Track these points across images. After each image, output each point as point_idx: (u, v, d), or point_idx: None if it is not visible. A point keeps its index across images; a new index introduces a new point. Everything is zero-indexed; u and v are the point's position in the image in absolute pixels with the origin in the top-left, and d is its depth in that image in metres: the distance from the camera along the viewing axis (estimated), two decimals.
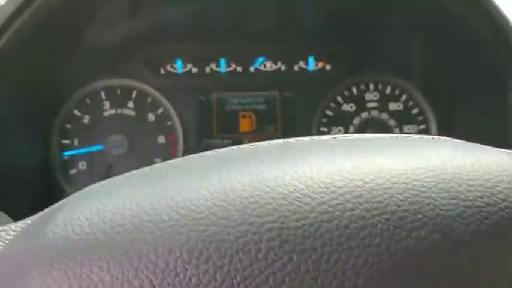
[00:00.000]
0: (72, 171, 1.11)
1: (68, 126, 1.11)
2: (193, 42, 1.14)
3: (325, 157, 0.29)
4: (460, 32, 0.87)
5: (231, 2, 0.96)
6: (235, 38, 1.14)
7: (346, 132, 1.15)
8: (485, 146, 0.36)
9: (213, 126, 1.14)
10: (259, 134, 1.15)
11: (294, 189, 0.25)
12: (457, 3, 0.79)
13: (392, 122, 1.16)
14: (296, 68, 1.17)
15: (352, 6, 0.99)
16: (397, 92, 1.16)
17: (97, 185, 0.36)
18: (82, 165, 1.12)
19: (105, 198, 0.30)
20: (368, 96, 1.16)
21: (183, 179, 0.30)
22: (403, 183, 0.25)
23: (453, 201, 0.25)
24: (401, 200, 0.24)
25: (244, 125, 1.16)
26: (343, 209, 0.24)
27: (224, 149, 0.36)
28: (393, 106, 1.16)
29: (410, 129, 1.16)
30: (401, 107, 1.16)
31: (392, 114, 1.16)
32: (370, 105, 1.16)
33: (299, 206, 0.24)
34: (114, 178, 0.37)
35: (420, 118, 1.16)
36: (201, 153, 0.36)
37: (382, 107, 1.16)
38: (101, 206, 0.29)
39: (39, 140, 1.08)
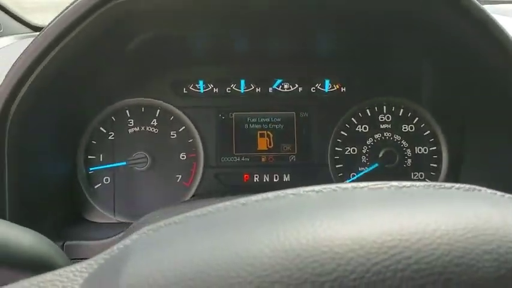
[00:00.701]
0: (97, 186, 1.16)
1: (94, 142, 1.16)
2: (215, 64, 1.19)
3: (371, 213, 0.33)
4: (469, 58, 0.91)
5: (251, 28, 1.01)
6: (255, 60, 1.20)
7: (360, 153, 1.20)
8: None
9: (232, 144, 1.19)
10: (276, 152, 1.20)
11: (350, 249, 0.30)
12: (466, 31, 0.83)
13: (404, 143, 1.20)
14: (313, 89, 1.22)
15: (365, 33, 1.03)
16: (409, 114, 1.21)
17: (162, 223, 0.40)
18: (106, 180, 1.16)
19: (173, 246, 0.34)
20: (381, 117, 1.21)
21: (242, 231, 0.33)
22: (447, 244, 0.29)
23: (495, 264, 0.29)
24: (447, 262, 0.28)
25: (262, 143, 1.20)
26: (395, 269, 0.28)
27: (270, 196, 0.39)
28: (405, 128, 1.21)
29: (422, 150, 1.20)
30: (413, 128, 1.21)
31: (405, 135, 1.21)
32: (383, 126, 1.21)
33: (355, 266, 0.29)
34: (175, 218, 0.39)
35: (431, 140, 1.20)
36: (249, 199, 0.39)
37: (395, 128, 1.21)
38: (171, 256, 0.32)
39: (67, 156, 1.13)
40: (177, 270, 0.31)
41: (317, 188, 0.41)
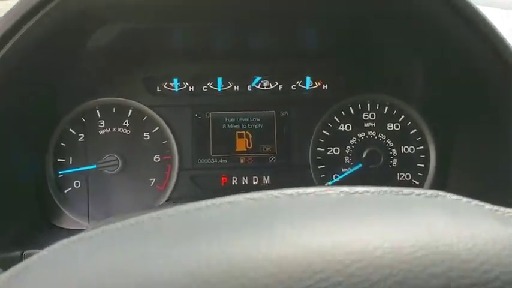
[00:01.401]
0: (67, 190, 1.11)
1: (63, 144, 1.11)
2: (191, 60, 1.13)
3: (304, 228, 0.28)
4: (458, 56, 0.86)
5: (229, 23, 0.95)
6: (233, 57, 1.14)
7: (343, 154, 1.14)
8: (483, 207, 0.35)
9: (209, 145, 1.13)
10: (255, 153, 1.14)
11: (267, 274, 0.24)
12: (456, 30, 0.78)
13: (389, 142, 1.14)
14: (293, 87, 1.16)
15: (350, 27, 0.97)
16: (394, 112, 1.15)
17: (75, 237, 0.34)
18: (76, 184, 1.11)
19: (71, 266, 0.29)
20: (365, 116, 1.15)
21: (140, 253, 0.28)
22: (388, 266, 0.24)
23: None
24: (389, 286, 0.23)
25: (241, 144, 1.15)
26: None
27: (201, 206, 0.34)
28: (391, 126, 1.15)
29: (408, 149, 1.14)
30: (399, 127, 1.15)
31: (390, 134, 1.15)
32: (367, 125, 1.15)
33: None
34: (91, 232, 0.34)
35: (418, 139, 1.15)
36: (176, 210, 0.33)
37: (380, 127, 1.15)
38: (66, 277, 0.27)
39: (35, 158, 1.08)
40: None
41: (257, 195, 0.35)
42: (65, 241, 0.33)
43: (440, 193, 0.37)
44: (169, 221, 0.31)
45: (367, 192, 0.36)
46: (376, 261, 0.24)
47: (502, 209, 0.36)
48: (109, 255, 0.28)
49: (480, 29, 0.76)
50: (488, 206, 0.36)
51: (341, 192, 0.36)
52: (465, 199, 0.37)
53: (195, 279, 0.24)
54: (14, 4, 0.75)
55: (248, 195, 0.35)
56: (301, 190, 0.36)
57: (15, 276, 0.31)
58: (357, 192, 0.36)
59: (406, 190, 0.37)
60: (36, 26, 0.74)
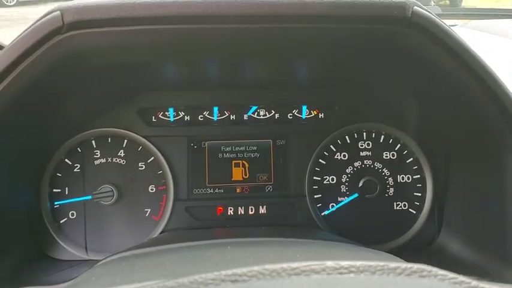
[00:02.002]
0: (63, 220, 1.10)
1: (59, 175, 1.10)
2: (186, 90, 1.13)
3: None
4: (450, 88, 0.86)
5: (223, 57, 0.96)
6: (229, 86, 1.14)
7: (339, 183, 1.14)
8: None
9: (204, 175, 1.13)
10: (251, 182, 1.14)
11: None
12: (446, 64, 0.78)
13: (386, 171, 1.14)
14: (289, 116, 1.16)
15: (341, 61, 0.98)
16: (390, 141, 1.15)
17: None
18: (72, 214, 1.10)
19: None
20: (361, 144, 1.15)
21: None
22: None
23: None
24: None
25: (237, 173, 1.14)
26: None
27: None
28: (387, 155, 1.15)
29: (405, 178, 1.14)
30: (395, 155, 1.15)
31: (386, 163, 1.15)
32: (363, 153, 1.15)
33: None
34: None
35: (415, 167, 1.14)
36: None
37: (376, 156, 1.15)
38: None
39: (30, 188, 1.07)
40: None
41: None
42: None
43: (426, 269, 0.36)
44: None
45: (344, 269, 0.36)
46: None
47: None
48: None
49: (469, 65, 0.76)
50: (474, 283, 0.36)
51: (326, 267, 0.36)
52: (452, 275, 0.36)
53: None
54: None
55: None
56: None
57: None
58: (337, 269, 0.35)
59: (392, 265, 0.36)
60: (32, 65, 0.75)
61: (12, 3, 11.51)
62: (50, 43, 0.71)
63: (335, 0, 0.72)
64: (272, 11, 0.71)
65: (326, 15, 0.72)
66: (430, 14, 0.74)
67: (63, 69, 0.81)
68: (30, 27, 0.74)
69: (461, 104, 0.88)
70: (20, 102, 0.81)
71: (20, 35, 0.75)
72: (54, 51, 0.73)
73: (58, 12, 0.71)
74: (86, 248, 1.10)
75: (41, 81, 0.80)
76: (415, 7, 0.73)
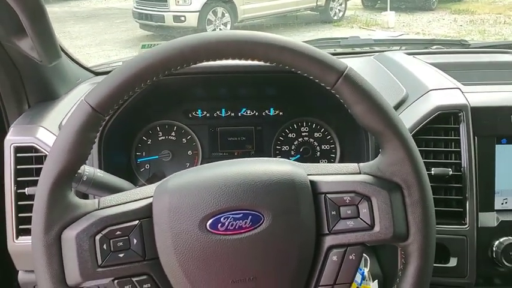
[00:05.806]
0: (142, 170, 2.07)
1: (139, 145, 2.07)
2: (208, 101, 2.09)
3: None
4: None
5: (229, 82, 1.90)
6: (230, 98, 2.10)
7: (290, 149, 2.11)
8: (285, 161, 1.29)
9: (218, 146, 2.09)
10: (242, 149, 2.11)
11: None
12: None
13: (315, 143, 2.11)
14: (263, 113, 2.11)
15: (283, 84, 1.93)
16: (318, 127, 2.10)
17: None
18: (147, 166, 2.07)
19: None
20: (302, 129, 2.10)
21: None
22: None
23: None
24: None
25: (235, 144, 2.09)
26: None
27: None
28: (316, 135, 2.11)
29: (325, 147, 2.11)
30: (321, 135, 2.11)
31: (316, 139, 2.11)
32: (303, 134, 2.11)
33: None
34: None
35: (331, 141, 2.10)
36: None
37: (310, 135, 2.10)
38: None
39: (126, 152, 2.04)
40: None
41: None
42: None
43: (280, 160, 1.32)
44: None
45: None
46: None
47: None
48: None
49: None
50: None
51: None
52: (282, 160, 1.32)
53: None
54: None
55: None
56: None
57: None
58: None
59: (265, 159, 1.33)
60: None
61: None
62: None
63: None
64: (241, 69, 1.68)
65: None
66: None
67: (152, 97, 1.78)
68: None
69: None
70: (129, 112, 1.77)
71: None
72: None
73: None
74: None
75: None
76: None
